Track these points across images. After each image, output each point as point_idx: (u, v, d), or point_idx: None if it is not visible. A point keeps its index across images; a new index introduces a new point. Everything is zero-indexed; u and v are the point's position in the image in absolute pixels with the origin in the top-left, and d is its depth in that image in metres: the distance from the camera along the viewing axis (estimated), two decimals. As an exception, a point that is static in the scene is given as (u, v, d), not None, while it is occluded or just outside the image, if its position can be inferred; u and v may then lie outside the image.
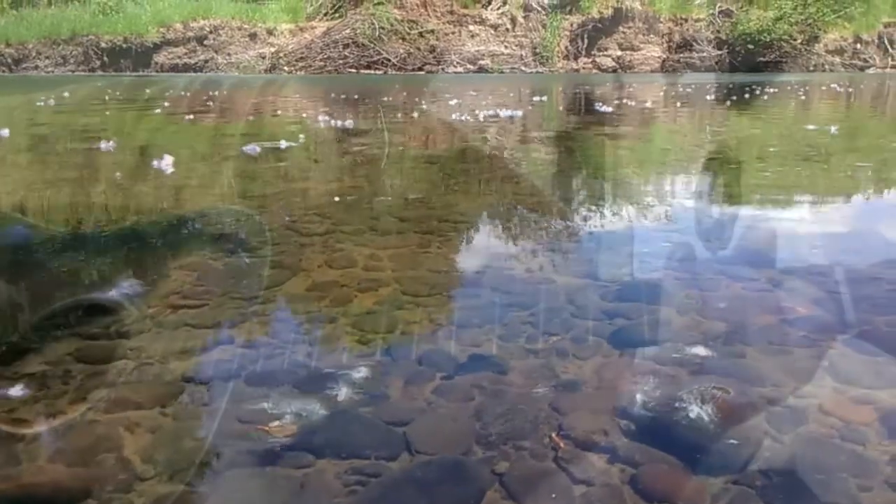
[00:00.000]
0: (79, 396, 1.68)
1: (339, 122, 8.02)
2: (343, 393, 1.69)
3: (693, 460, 1.43)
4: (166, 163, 4.83)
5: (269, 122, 8.90)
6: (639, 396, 1.68)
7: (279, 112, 10.22)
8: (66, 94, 13.51)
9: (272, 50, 23.76)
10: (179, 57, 23.96)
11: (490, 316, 2.19)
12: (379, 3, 23.35)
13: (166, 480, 1.36)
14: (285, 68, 23.23)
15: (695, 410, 1.59)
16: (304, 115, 8.80)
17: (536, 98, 13.36)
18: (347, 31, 23.40)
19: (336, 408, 1.63)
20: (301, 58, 23.55)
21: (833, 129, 7.64)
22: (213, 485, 1.37)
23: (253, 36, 24.06)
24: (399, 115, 9.23)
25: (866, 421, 1.57)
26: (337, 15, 24.48)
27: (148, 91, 14.80)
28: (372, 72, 22.72)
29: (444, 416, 1.61)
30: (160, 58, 23.94)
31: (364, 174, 4.97)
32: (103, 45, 24.17)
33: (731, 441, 1.49)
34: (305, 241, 3.05)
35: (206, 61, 23.78)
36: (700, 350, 1.93)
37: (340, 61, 23.20)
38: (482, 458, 1.44)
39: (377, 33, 23.09)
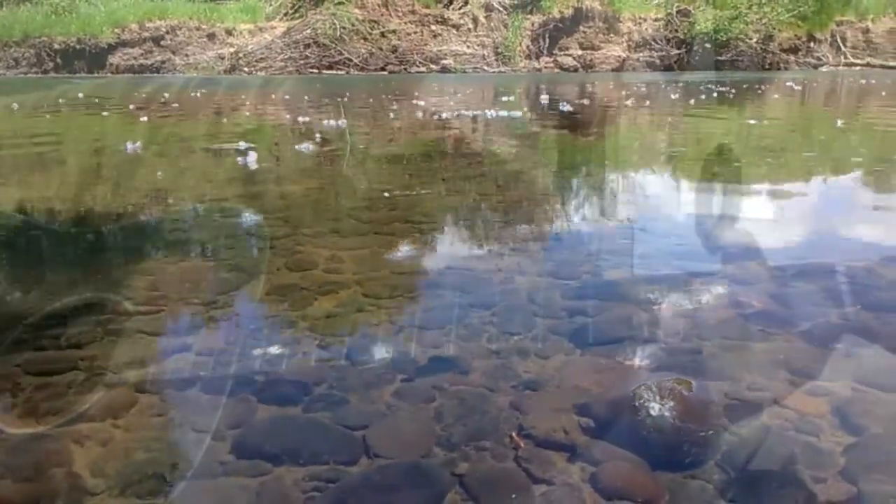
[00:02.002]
0: (27, 409, 1.63)
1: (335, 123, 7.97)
2: (302, 399, 1.67)
3: (653, 456, 1.44)
4: (251, 159, 5.21)
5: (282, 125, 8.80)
6: (599, 394, 1.68)
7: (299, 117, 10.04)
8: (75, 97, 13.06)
9: (231, 50, 23.37)
10: (135, 58, 23.41)
11: (451, 316, 2.18)
12: (339, 3, 23.16)
13: (117, 494, 1.32)
14: (245, 69, 22.90)
15: (654, 406, 1.60)
16: (318, 118, 8.75)
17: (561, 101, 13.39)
18: (308, 31, 23.16)
19: (293, 414, 1.61)
20: (261, 58, 23.25)
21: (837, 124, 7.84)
22: (166, 497, 1.33)
23: (211, 36, 23.65)
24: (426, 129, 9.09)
25: (820, 413, 1.60)
26: (297, 15, 24.19)
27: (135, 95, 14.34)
28: (334, 72, 22.55)
29: (404, 419, 1.59)
30: (115, 59, 23.35)
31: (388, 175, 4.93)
32: (56, 46, 23.49)
33: (690, 436, 1.50)
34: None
35: (164, 62, 23.29)
36: (659, 346, 1.95)
37: (302, 61, 22.96)
38: (442, 461, 1.43)
39: (338, 33, 22.90)
